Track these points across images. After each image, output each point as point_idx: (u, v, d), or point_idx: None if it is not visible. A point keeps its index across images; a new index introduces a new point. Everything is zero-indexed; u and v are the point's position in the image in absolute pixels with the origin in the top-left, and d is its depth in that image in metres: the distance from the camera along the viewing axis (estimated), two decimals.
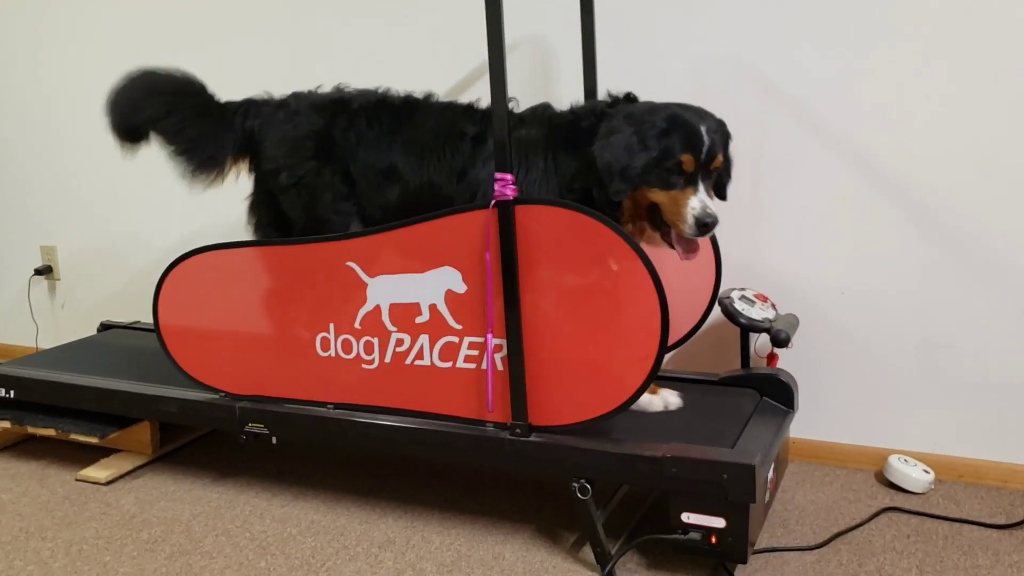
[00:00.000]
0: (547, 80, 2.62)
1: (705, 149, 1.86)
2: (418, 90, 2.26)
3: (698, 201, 1.86)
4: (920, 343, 2.36)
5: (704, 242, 2.30)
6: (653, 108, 1.93)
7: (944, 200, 2.28)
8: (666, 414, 2.14)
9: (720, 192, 2.04)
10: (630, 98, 2.04)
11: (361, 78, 2.33)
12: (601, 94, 2.27)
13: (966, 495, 2.27)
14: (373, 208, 2.20)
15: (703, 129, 1.87)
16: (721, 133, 1.93)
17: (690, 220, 1.86)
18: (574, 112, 2.07)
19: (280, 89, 2.33)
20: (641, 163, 1.86)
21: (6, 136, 3.66)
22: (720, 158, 1.92)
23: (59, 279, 3.67)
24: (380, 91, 2.26)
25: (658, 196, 1.90)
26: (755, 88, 2.40)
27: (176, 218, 3.26)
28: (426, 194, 2.11)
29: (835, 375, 2.46)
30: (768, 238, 2.47)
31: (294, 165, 2.19)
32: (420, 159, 2.13)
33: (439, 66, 2.76)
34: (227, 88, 2.36)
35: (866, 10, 2.26)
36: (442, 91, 2.72)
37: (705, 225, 1.85)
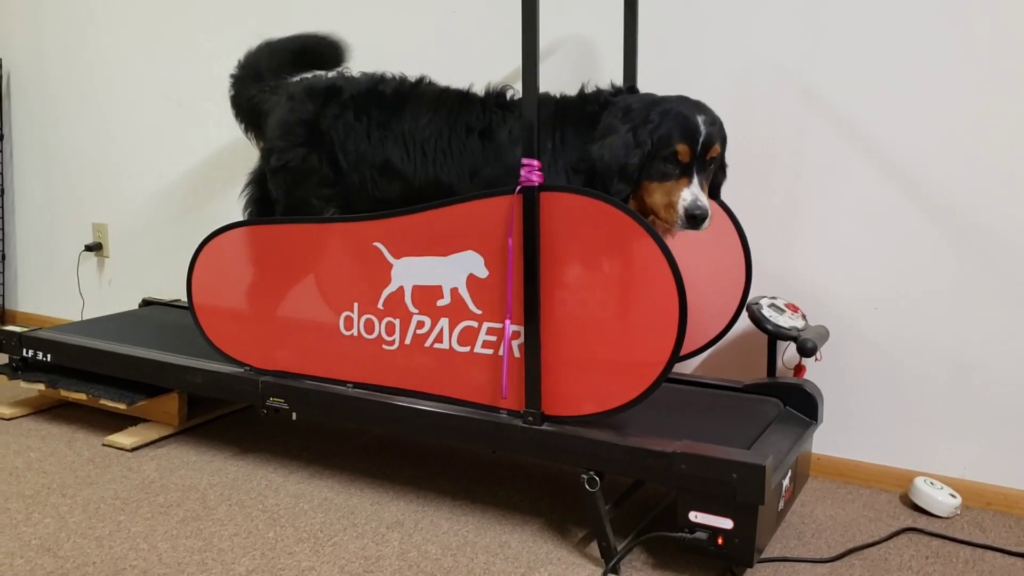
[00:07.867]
0: (588, 80, 2.61)
1: (701, 139, 1.87)
2: (433, 77, 2.28)
3: (690, 193, 1.86)
4: (954, 363, 2.29)
5: (736, 247, 2.30)
6: (651, 102, 1.94)
7: (985, 216, 2.21)
8: (684, 415, 2.11)
9: (714, 192, 2.04)
10: (632, 90, 2.09)
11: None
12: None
13: (993, 523, 2.20)
14: (364, 202, 2.23)
15: (699, 120, 1.88)
16: (718, 127, 1.92)
17: (680, 211, 1.85)
18: (581, 96, 2.09)
19: None
20: (637, 160, 1.88)
21: (62, 115, 3.79)
22: (717, 148, 1.91)
23: (108, 256, 3.77)
24: (375, 77, 2.29)
25: (652, 188, 1.90)
26: (796, 95, 2.37)
27: (228, 200, 3.32)
28: (435, 192, 2.12)
29: (864, 392, 2.40)
30: (803, 248, 2.42)
31: (284, 149, 2.27)
32: (423, 156, 2.14)
33: (484, 61, 2.79)
34: None
35: (909, 18, 2.22)
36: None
37: (694, 217, 1.84)
